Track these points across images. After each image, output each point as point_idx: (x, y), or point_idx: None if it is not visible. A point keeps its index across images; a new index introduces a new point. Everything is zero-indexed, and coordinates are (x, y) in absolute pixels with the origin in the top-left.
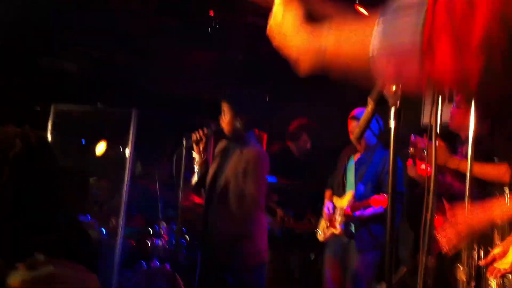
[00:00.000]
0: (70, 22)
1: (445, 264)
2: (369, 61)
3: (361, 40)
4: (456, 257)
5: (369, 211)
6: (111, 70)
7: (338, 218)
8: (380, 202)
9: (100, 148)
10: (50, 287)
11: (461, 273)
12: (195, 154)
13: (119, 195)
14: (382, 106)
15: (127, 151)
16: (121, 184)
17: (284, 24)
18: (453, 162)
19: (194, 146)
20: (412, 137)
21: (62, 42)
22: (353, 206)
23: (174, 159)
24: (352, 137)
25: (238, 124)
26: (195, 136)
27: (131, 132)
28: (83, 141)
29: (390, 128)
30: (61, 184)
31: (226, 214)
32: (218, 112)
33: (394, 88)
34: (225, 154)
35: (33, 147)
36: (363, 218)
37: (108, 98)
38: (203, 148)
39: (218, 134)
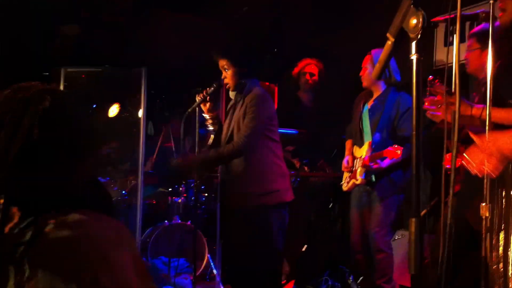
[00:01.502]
0: None
1: (464, 202)
2: None
3: None
4: (476, 196)
5: (386, 162)
6: (117, 31)
7: (358, 169)
8: (393, 154)
9: (114, 110)
10: (89, 234)
11: (484, 209)
12: (205, 114)
13: (135, 155)
14: (401, 41)
15: (140, 112)
16: (136, 145)
17: None
18: (475, 110)
19: (202, 106)
20: (431, 77)
21: (65, 6)
22: (370, 156)
23: (183, 122)
24: (373, 75)
25: (239, 76)
26: (199, 97)
27: (142, 91)
28: (94, 106)
29: (411, 60)
30: (86, 143)
31: (233, 162)
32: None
33: (413, 21)
34: (233, 109)
35: (61, 103)
36: (382, 169)
37: (117, 59)
38: (211, 107)
39: (222, 90)
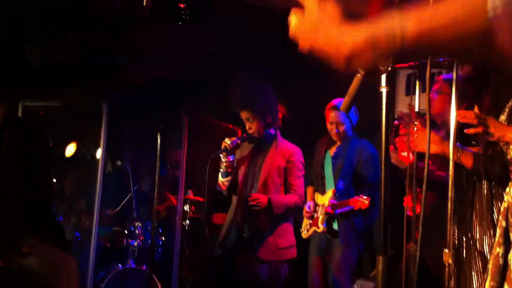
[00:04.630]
0: (34, 17)
1: (426, 249)
2: (482, 24)
3: (471, 2)
4: (437, 242)
5: (349, 207)
6: (77, 63)
7: (320, 216)
8: (360, 203)
9: (70, 149)
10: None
11: (447, 256)
12: (223, 158)
13: (92, 193)
14: (371, 75)
15: (99, 150)
16: (93, 183)
17: (323, 21)
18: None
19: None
20: (396, 122)
21: (25, 37)
22: (334, 205)
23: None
24: (341, 108)
25: (266, 125)
26: (225, 143)
27: (102, 127)
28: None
29: (381, 92)
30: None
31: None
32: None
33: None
34: (255, 153)
35: (35, 124)
36: (344, 213)
37: (75, 92)
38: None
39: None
